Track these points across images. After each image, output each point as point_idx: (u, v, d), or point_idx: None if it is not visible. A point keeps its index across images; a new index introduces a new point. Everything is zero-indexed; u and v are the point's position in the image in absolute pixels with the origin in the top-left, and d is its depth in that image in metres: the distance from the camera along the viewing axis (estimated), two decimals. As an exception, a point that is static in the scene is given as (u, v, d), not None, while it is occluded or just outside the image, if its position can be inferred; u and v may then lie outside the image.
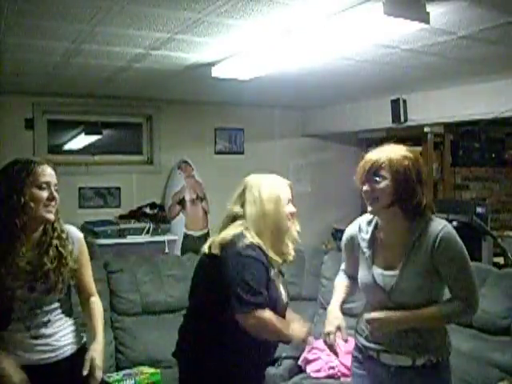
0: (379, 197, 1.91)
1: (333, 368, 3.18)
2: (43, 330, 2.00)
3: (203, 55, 2.91)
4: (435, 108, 4.09)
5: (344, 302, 2.19)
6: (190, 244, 4.50)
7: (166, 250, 4.42)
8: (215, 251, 1.99)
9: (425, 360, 1.91)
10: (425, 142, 4.74)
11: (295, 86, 3.91)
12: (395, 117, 4.24)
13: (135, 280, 3.35)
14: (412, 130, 4.62)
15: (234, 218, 2.07)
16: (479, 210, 3.74)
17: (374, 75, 3.44)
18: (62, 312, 2.05)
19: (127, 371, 2.95)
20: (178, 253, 4.46)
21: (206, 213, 4.73)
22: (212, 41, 2.59)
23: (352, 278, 2.18)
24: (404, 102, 4.21)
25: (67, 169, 4.48)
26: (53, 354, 2.01)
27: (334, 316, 2.10)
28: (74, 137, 4.79)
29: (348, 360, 3.22)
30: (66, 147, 4.78)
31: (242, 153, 5.26)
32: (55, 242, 2.00)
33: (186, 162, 4.77)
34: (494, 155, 5.44)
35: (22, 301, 1.94)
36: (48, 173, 1.98)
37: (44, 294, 1.97)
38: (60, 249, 2.00)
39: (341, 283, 2.22)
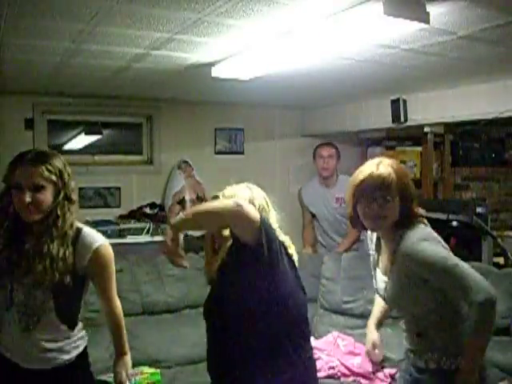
0: (388, 215, 1.88)
1: (333, 368, 3.18)
2: (37, 334, 1.94)
3: (203, 55, 2.90)
4: (435, 108, 4.09)
5: (380, 322, 2.34)
6: (190, 244, 4.49)
7: (166, 250, 4.41)
8: None
9: (437, 364, 1.89)
10: (425, 142, 4.74)
11: (295, 86, 3.91)
12: (395, 117, 4.24)
13: (135, 280, 3.36)
14: (412, 130, 4.62)
15: None
16: (479, 209, 3.74)
17: (373, 75, 3.44)
18: (59, 319, 1.98)
19: (127, 371, 2.95)
20: (178, 253, 4.46)
21: (206, 213, 4.72)
22: (212, 41, 2.59)
23: None
24: (404, 102, 4.21)
25: (67, 169, 4.49)
26: (47, 362, 1.97)
27: (370, 330, 2.30)
28: (74, 137, 4.79)
29: (348, 360, 3.23)
30: (66, 147, 4.78)
31: (242, 153, 5.26)
32: (48, 240, 1.92)
33: (186, 161, 4.77)
34: (494, 155, 5.44)
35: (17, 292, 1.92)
36: (24, 174, 1.89)
37: (32, 288, 1.91)
38: (50, 247, 1.91)
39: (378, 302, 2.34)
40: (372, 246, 2.09)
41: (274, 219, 2.03)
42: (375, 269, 2.09)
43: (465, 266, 1.79)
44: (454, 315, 1.92)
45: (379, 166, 1.91)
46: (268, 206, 2.08)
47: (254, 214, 1.76)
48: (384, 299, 2.06)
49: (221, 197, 2.07)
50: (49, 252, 1.90)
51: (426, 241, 1.84)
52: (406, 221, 1.89)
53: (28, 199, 1.87)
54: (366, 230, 2.05)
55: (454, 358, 1.88)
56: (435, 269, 1.79)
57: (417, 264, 1.82)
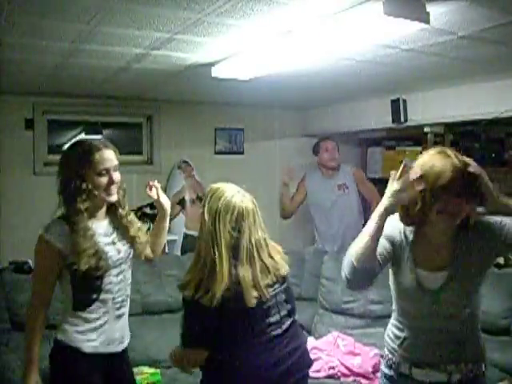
0: (468, 212, 1.80)
1: (333, 368, 3.18)
2: (123, 309, 2.20)
3: (203, 55, 2.90)
4: (435, 108, 4.09)
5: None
6: (190, 244, 4.49)
7: (166, 250, 4.42)
8: None
9: (461, 375, 1.81)
10: (425, 142, 4.73)
11: (295, 86, 3.91)
12: (395, 117, 4.24)
13: (135, 280, 3.35)
14: (412, 130, 4.62)
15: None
16: (479, 209, 3.73)
17: (373, 75, 3.44)
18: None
19: (127, 371, 2.94)
20: (178, 253, 4.47)
21: (206, 213, 4.72)
22: (212, 41, 2.59)
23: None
24: (404, 101, 4.21)
25: (67, 169, 4.49)
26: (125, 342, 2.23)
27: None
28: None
29: (348, 360, 3.23)
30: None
31: (242, 153, 5.26)
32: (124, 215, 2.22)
33: (186, 161, 4.77)
34: (494, 155, 5.43)
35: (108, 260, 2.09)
36: (106, 158, 2.08)
37: (127, 252, 2.21)
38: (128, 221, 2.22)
39: None
40: (407, 247, 1.88)
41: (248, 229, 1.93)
42: (412, 268, 1.87)
43: None
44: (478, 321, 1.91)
45: (457, 158, 1.78)
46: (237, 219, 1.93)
47: None
48: (434, 293, 1.83)
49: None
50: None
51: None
52: None
53: (116, 178, 2.11)
54: (411, 224, 1.88)
55: (478, 365, 1.86)
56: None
57: (496, 224, 1.85)
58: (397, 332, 1.93)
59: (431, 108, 4.11)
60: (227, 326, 1.85)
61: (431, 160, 1.79)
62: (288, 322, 1.99)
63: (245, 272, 1.85)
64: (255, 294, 1.85)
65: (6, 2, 2.02)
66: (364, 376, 3.14)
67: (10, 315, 2.97)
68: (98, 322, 2.08)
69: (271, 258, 1.98)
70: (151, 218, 4.47)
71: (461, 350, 1.83)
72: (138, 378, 2.88)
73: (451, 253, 1.84)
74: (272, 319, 1.93)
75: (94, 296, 2.06)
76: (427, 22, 2.05)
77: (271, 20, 2.25)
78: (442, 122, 4.31)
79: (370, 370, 3.15)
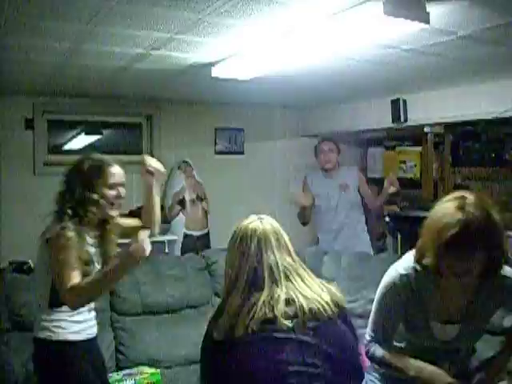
0: (474, 269, 1.55)
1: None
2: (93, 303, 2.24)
3: (203, 55, 2.91)
4: (435, 108, 4.09)
5: None
6: (190, 244, 4.50)
7: (166, 250, 4.42)
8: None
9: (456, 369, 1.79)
10: (425, 142, 4.74)
11: (295, 85, 3.91)
12: (395, 117, 4.24)
13: (135, 280, 3.35)
14: (412, 130, 4.62)
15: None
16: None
17: (374, 75, 3.44)
18: None
19: (127, 371, 2.94)
20: (178, 253, 4.46)
21: (206, 213, 4.73)
22: (212, 41, 2.59)
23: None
24: (404, 102, 4.21)
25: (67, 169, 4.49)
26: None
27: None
28: (74, 137, 4.79)
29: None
30: (66, 147, 4.78)
31: (242, 153, 5.26)
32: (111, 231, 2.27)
33: (186, 162, 4.77)
34: (494, 155, 5.43)
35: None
36: (118, 173, 2.22)
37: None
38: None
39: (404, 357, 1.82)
40: (426, 296, 1.74)
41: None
42: (427, 320, 1.76)
43: None
44: None
45: (469, 208, 1.54)
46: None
47: None
48: (444, 343, 1.78)
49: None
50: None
51: None
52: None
53: (123, 193, 2.24)
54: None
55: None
56: None
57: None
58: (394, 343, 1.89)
59: (431, 108, 4.11)
60: None
61: (442, 209, 1.58)
62: None
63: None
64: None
65: (6, 3, 2.02)
66: (364, 376, 3.13)
67: (9, 315, 2.96)
68: (75, 317, 2.15)
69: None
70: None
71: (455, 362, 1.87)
72: (138, 377, 2.87)
73: (467, 305, 1.72)
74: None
75: None
76: (427, 22, 2.05)
77: (271, 20, 2.25)
78: (442, 122, 4.31)
79: (370, 370, 3.14)
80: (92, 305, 2.25)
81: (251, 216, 1.78)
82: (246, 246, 1.68)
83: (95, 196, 2.14)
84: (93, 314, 2.29)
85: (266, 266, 1.65)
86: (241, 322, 1.57)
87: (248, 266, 1.66)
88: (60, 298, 2.04)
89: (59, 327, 2.12)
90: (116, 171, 2.22)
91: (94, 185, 2.15)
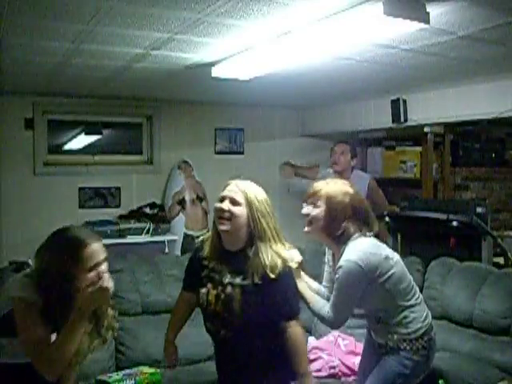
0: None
1: (333, 368, 3.18)
2: None
3: (203, 55, 2.91)
4: (435, 108, 4.09)
5: None
6: (190, 244, 4.50)
7: (166, 250, 4.42)
8: None
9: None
10: (425, 142, 4.74)
11: (295, 85, 3.91)
12: (395, 117, 4.24)
13: (135, 280, 3.35)
14: (412, 130, 4.62)
15: None
16: (479, 209, 3.74)
17: (373, 75, 3.45)
18: None
19: (127, 371, 2.94)
20: (178, 253, 4.47)
21: (206, 213, 4.73)
22: (212, 41, 2.59)
23: None
24: (404, 102, 4.21)
25: (67, 169, 4.49)
26: None
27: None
28: (74, 137, 4.79)
29: (349, 359, 3.23)
30: (66, 147, 4.78)
31: (241, 153, 5.26)
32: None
33: (186, 161, 4.77)
34: (494, 155, 5.43)
35: None
36: (96, 251, 1.90)
37: None
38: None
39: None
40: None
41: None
42: None
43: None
44: None
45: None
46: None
47: None
48: None
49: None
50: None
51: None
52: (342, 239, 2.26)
53: (104, 274, 1.98)
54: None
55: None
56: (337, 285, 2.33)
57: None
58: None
59: (431, 108, 4.11)
60: None
61: None
62: None
63: None
64: None
65: (6, 2, 2.02)
66: (364, 376, 3.14)
67: (9, 315, 2.96)
68: None
69: None
70: (150, 218, 4.48)
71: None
72: (138, 378, 2.87)
73: None
74: None
75: None
76: (427, 22, 2.05)
77: (271, 20, 2.25)
78: (442, 122, 4.31)
79: (370, 369, 3.15)
80: None
81: None
82: None
83: (75, 285, 1.84)
84: None
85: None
86: None
87: None
88: None
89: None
90: (95, 249, 1.90)
91: (74, 274, 1.85)
